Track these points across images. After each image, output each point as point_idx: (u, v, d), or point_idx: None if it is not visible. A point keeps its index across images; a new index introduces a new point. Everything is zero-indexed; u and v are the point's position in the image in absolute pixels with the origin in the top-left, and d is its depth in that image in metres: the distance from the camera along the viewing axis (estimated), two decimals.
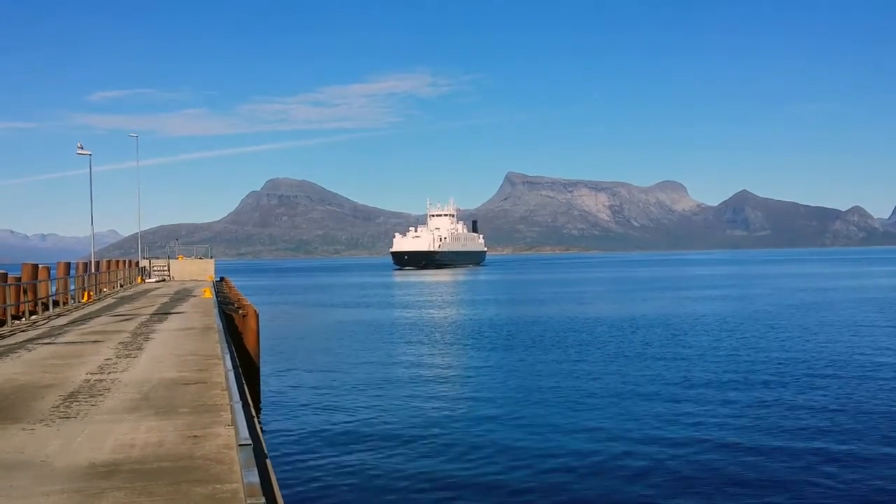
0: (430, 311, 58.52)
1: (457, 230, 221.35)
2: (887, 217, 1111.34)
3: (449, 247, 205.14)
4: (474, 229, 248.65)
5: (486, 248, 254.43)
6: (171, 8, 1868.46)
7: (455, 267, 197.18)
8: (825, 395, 22.27)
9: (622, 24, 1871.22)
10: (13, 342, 17.07)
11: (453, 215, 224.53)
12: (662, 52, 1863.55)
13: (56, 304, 28.10)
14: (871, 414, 19.91)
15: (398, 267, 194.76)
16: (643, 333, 38.97)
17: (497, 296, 77.61)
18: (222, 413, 8.81)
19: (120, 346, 15.79)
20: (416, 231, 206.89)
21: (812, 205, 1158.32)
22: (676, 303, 61.10)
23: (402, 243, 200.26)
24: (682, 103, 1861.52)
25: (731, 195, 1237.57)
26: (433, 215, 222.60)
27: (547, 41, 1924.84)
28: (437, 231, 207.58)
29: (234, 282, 52.59)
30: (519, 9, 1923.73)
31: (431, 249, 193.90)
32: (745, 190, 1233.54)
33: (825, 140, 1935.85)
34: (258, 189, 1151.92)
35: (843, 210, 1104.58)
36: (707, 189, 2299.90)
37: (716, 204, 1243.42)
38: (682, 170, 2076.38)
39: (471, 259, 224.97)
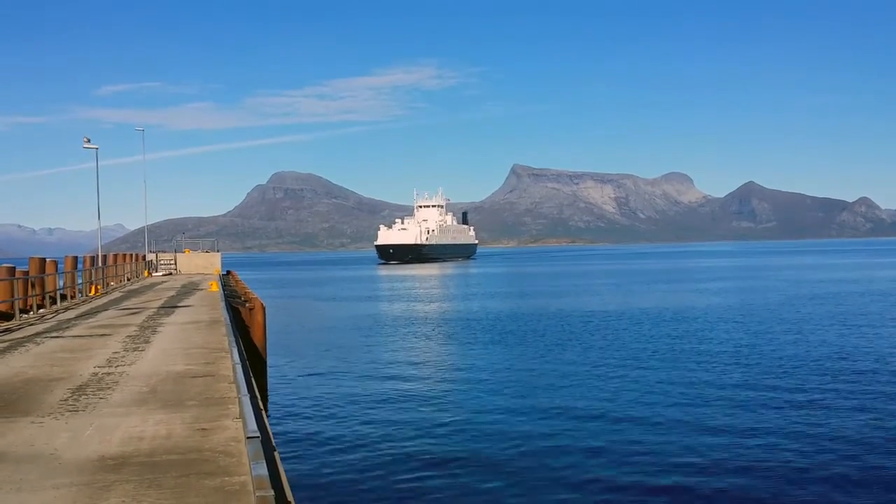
0: (429, 305, 58.55)
1: (445, 222, 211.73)
2: (895, 208, 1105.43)
3: (437, 239, 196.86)
4: (465, 221, 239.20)
5: (476, 241, 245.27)
6: (178, 2, 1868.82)
7: (443, 261, 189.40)
8: (868, 395, 21.39)
9: (628, 15, 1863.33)
10: (22, 336, 17.12)
11: (442, 206, 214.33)
12: (669, 43, 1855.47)
13: (64, 297, 28.16)
14: None
15: (383, 261, 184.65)
16: (666, 328, 38.27)
17: (490, 290, 77.54)
18: (230, 406, 8.81)
19: (128, 340, 15.81)
20: (402, 223, 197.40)
21: (819, 196, 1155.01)
22: (695, 296, 60.88)
23: (387, 236, 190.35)
24: (688, 94, 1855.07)
25: (737, 186, 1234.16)
26: (420, 206, 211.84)
27: (553, 33, 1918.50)
28: (425, 223, 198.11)
29: (240, 275, 52.64)
30: (525, 1, 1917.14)
31: (418, 242, 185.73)
32: (751, 181, 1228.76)
33: (832, 131, 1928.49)
34: (264, 182, 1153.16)
35: (851, 201, 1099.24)
36: (713, 180, 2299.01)
37: (722, 195, 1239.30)
38: (688, 161, 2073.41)
39: (460, 252, 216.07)
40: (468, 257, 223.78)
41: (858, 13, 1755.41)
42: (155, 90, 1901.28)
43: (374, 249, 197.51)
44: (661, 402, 20.84)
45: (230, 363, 11.36)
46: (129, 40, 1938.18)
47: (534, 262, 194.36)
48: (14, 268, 24.31)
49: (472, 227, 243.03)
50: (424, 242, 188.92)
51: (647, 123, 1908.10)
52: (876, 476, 14.31)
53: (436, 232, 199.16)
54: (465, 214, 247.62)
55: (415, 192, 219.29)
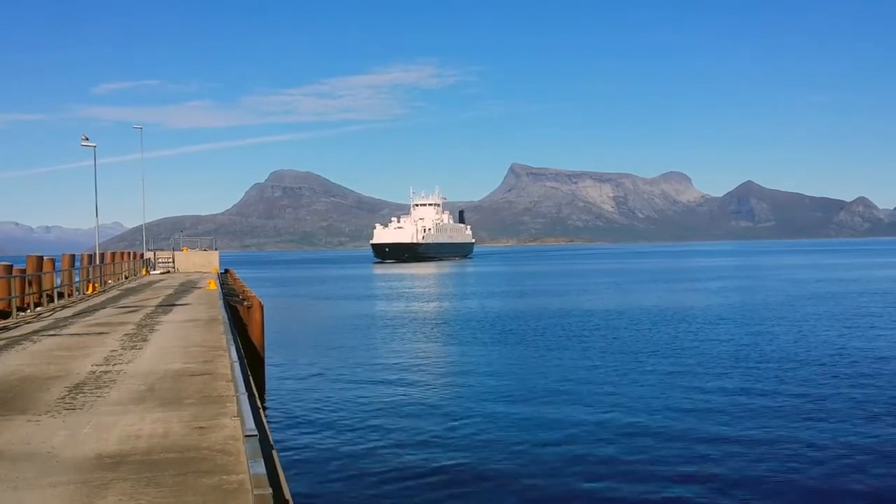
0: (427, 304, 58.55)
1: (442, 221, 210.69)
2: (892, 208, 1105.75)
3: (433, 238, 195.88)
4: (461, 220, 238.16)
5: (473, 240, 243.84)
6: (177, 0, 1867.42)
7: (440, 260, 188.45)
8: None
9: (627, 15, 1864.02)
10: (19, 334, 17.07)
11: (438, 205, 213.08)
12: (667, 43, 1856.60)
13: (61, 295, 28.11)
14: None
15: (379, 260, 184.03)
16: (665, 327, 38.12)
17: (488, 289, 77.54)
18: (228, 404, 8.79)
19: (125, 338, 15.77)
20: (398, 221, 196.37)
21: (817, 196, 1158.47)
22: (694, 295, 60.86)
23: (383, 234, 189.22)
24: (687, 94, 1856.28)
25: (736, 186, 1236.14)
26: (417, 205, 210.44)
27: (552, 32, 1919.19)
28: (421, 221, 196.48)
29: (238, 273, 52.58)
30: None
31: (414, 241, 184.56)
32: (750, 181, 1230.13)
33: (831, 131, 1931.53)
34: (263, 181, 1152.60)
35: (849, 201, 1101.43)
36: (712, 180, 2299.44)
37: (721, 195, 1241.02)
38: (687, 161, 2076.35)
39: (457, 251, 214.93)
40: (465, 256, 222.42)
41: (858, 12, 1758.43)
42: (153, 88, 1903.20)
43: (370, 248, 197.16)
44: (661, 404, 20.78)
45: (228, 361, 11.34)
46: (127, 38, 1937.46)
47: (531, 261, 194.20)
48: (11, 266, 24.21)
49: (468, 226, 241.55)
50: (420, 241, 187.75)
51: (645, 123, 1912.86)
52: (881, 481, 14.30)
53: (432, 230, 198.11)
54: (461, 213, 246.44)
55: (411, 191, 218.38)
